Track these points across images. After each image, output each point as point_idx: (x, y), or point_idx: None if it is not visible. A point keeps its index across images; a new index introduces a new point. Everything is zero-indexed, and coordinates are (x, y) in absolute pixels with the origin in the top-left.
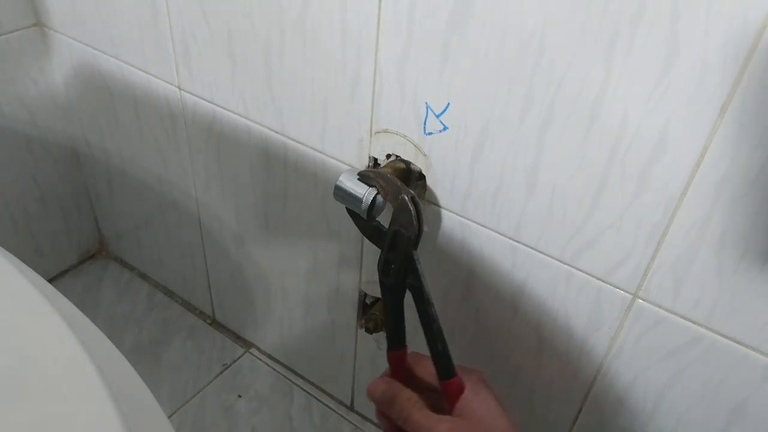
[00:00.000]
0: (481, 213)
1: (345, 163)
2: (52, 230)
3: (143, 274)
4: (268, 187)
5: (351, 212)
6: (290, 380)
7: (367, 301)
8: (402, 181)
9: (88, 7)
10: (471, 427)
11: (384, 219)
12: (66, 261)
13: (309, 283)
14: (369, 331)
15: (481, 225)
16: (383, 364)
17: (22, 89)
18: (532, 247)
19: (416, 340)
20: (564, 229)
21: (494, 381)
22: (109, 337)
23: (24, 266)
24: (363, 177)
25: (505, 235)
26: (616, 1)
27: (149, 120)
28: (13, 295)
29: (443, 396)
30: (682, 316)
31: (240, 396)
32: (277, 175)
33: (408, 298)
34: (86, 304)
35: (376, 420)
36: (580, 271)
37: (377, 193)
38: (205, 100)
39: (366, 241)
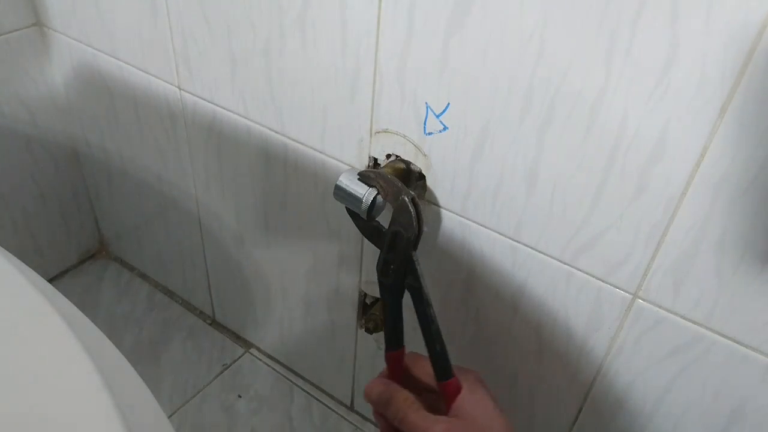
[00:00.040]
0: (481, 213)
1: (345, 163)
2: (52, 230)
3: (143, 274)
4: (268, 187)
5: (351, 212)
6: (290, 380)
7: (367, 301)
8: (402, 181)
9: (88, 7)
10: (466, 428)
11: (384, 219)
12: (66, 261)
13: (309, 283)
14: (369, 331)
15: (481, 225)
16: (383, 364)
17: (22, 89)
18: (532, 247)
19: (415, 340)
20: (564, 229)
21: (494, 381)
22: (109, 337)
23: (24, 266)
24: (363, 177)
25: (505, 235)
26: (616, 1)
27: (149, 120)
28: (13, 295)
29: (440, 396)
30: (682, 316)
31: (240, 396)
32: (277, 175)
33: (407, 299)
34: (86, 304)
35: (373, 419)
36: (580, 271)
37: (377, 194)
38: (205, 100)
39: (366, 241)
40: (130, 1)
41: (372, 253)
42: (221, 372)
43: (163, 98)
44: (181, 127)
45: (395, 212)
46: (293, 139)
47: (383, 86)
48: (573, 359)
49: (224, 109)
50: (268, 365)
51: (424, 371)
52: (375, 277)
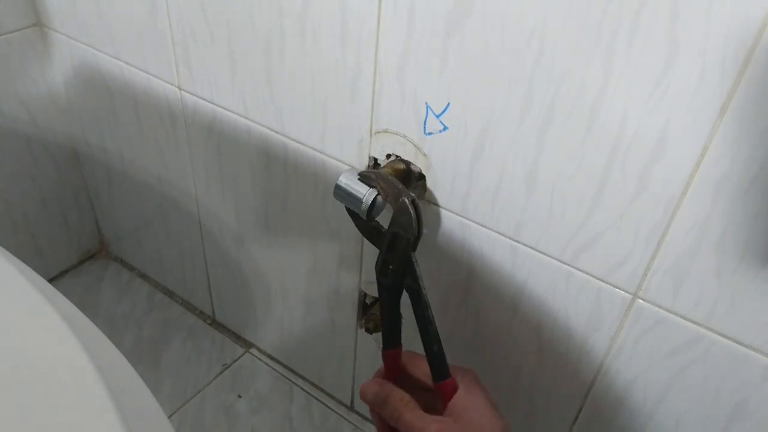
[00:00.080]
0: (481, 213)
1: (345, 163)
2: (52, 230)
3: (143, 274)
4: (268, 187)
5: (350, 212)
6: (290, 380)
7: (367, 301)
8: (402, 181)
9: (88, 6)
10: (460, 427)
11: (383, 219)
12: (66, 261)
13: (309, 283)
14: (369, 331)
15: (481, 225)
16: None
17: (22, 89)
18: (532, 247)
19: (414, 340)
20: (564, 229)
21: (494, 381)
22: (109, 337)
23: (24, 266)
24: (363, 177)
25: (505, 235)
26: (616, 1)
27: (149, 120)
28: (13, 295)
29: (437, 395)
30: (682, 316)
31: (240, 396)
32: (277, 175)
33: (405, 299)
34: (86, 304)
35: (371, 418)
36: (580, 271)
37: (377, 194)
38: (205, 100)
39: (366, 241)
40: (131, 1)
41: (372, 253)
42: (221, 372)
43: (163, 98)
44: (181, 127)
45: (395, 213)
46: (293, 139)
47: (383, 86)
48: (573, 359)
49: (224, 109)
50: (268, 365)
51: (421, 370)
52: (375, 277)
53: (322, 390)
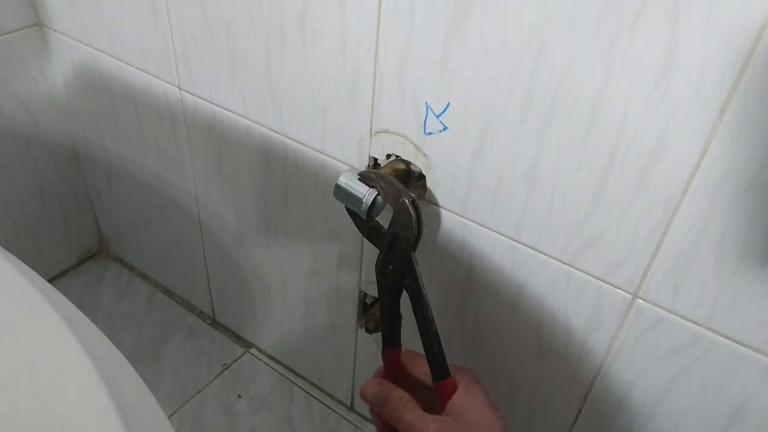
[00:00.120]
0: (481, 213)
1: (345, 163)
2: (52, 230)
3: (143, 274)
4: (268, 187)
5: (350, 212)
6: (290, 380)
7: (367, 301)
8: (402, 181)
9: (88, 6)
10: (459, 426)
11: (383, 219)
12: (66, 261)
13: (309, 283)
14: (369, 331)
15: (481, 225)
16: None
17: (22, 89)
18: (532, 247)
19: (414, 339)
20: (564, 228)
21: (494, 381)
22: (109, 337)
23: (24, 266)
24: (364, 177)
25: (505, 235)
26: (616, 1)
27: (149, 120)
28: (13, 295)
29: (437, 395)
30: (682, 316)
31: (240, 396)
32: (277, 175)
33: (405, 299)
34: (86, 304)
35: (371, 418)
36: (580, 271)
37: (377, 194)
38: (205, 100)
39: (366, 241)
40: (131, 1)
41: (372, 253)
42: (221, 372)
43: (163, 98)
44: (181, 127)
45: (395, 213)
46: (293, 139)
47: (383, 86)
48: (573, 359)
49: (224, 109)
50: (268, 365)
51: (421, 369)
52: (375, 277)
53: (322, 390)
